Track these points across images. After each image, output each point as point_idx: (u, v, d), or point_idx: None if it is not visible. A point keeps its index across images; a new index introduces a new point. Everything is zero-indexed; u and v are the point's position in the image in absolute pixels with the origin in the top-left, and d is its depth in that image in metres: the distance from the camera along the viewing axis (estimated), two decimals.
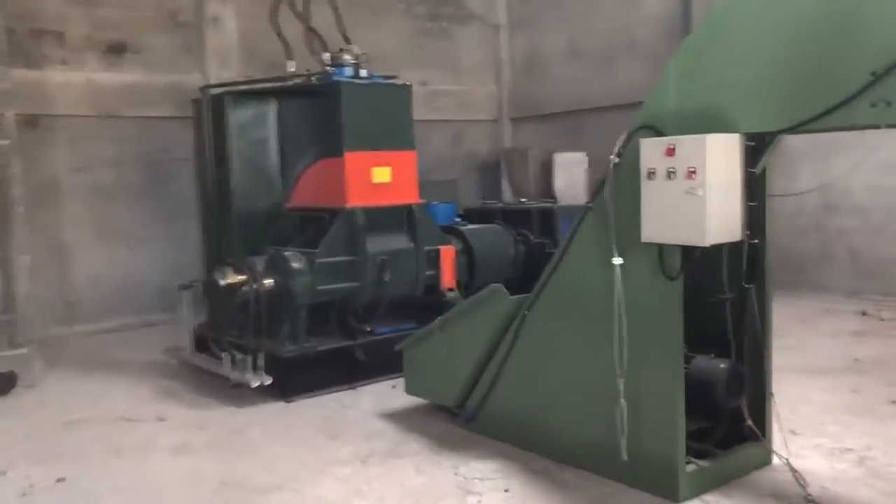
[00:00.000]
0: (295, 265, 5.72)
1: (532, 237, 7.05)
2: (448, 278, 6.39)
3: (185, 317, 6.61)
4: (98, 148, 9.10)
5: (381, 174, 6.13)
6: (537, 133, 12.09)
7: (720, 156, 3.34)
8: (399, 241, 6.26)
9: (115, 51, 9.20)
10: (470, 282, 6.72)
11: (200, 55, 9.72)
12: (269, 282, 5.77)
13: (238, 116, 6.41)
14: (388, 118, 6.18)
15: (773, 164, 3.87)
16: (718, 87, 3.51)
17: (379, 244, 6.10)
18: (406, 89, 6.38)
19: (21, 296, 6.93)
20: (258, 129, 6.53)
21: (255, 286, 5.73)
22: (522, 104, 12.30)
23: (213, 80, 9.56)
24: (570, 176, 10.35)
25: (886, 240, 8.19)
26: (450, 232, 6.72)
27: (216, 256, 6.69)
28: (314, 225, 6.32)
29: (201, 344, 6.67)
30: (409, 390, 5.31)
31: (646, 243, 3.68)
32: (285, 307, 5.80)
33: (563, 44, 11.63)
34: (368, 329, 6.26)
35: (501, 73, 12.55)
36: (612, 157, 3.84)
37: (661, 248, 3.64)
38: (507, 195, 11.11)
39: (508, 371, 4.56)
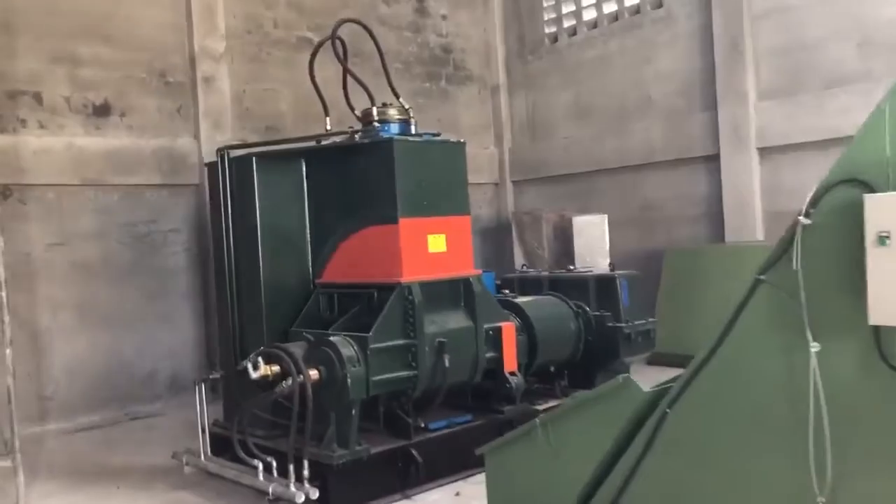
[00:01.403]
0: (346, 352, 4.83)
1: (590, 310, 6.29)
2: (511, 360, 5.56)
3: (200, 414, 5.61)
4: (78, 220, 8.12)
5: (437, 243, 5.33)
6: (542, 196, 11.48)
7: None
8: (457, 320, 5.43)
9: (99, 113, 8.31)
10: (530, 363, 5.89)
11: (192, 117, 8.89)
12: (314, 373, 4.86)
13: (266, 180, 5.59)
14: (443, 179, 5.43)
15: None
16: None
17: (436, 324, 5.27)
18: (460, 147, 5.65)
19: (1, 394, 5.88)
20: (288, 195, 5.71)
21: (297, 379, 4.81)
22: (525, 166, 11.71)
23: (205, 145, 8.78)
24: (590, 240, 9.69)
25: None
26: (504, 306, 5.91)
27: (236, 342, 5.76)
28: (355, 303, 5.45)
29: (217, 446, 5.67)
30: None
31: (855, 325, 2.93)
32: (333, 404, 4.89)
33: (568, 103, 11.14)
34: (423, 425, 5.37)
35: (503, 134, 11.98)
36: (799, 217, 3.10)
37: (879, 330, 2.90)
38: (518, 261, 10.39)
39: (640, 484, 3.71)
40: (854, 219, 2.98)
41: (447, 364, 5.18)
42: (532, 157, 11.65)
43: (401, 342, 5.10)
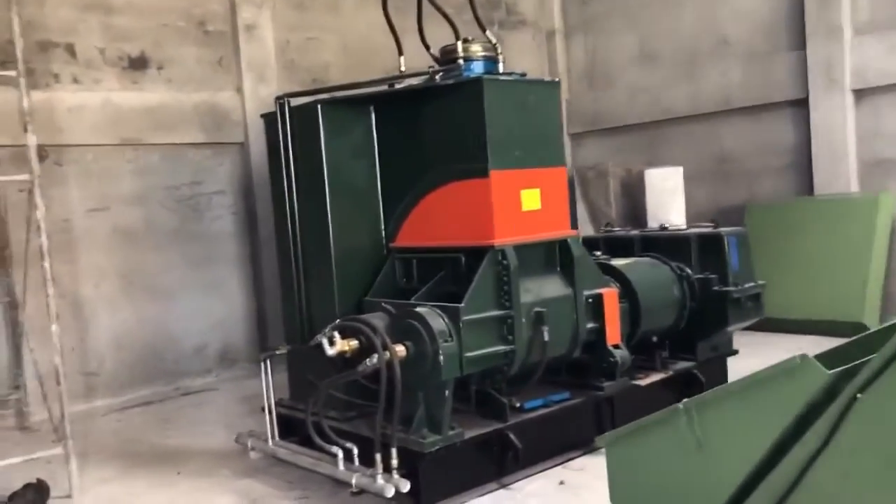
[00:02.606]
0: (436, 325, 4.21)
1: (692, 273, 5.59)
2: (614, 331, 4.91)
3: (267, 394, 5.04)
4: (119, 183, 7.55)
5: (531, 199, 4.66)
6: (603, 149, 10.69)
7: None
8: (554, 287, 4.78)
9: (136, 66, 7.68)
10: (632, 334, 5.24)
11: (234, 69, 8.23)
12: (400, 349, 4.25)
13: (333, 131, 4.93)
14: (536, 125, 4.73)
15: None
16: None
17: (532, 292, 4.62)
18: (555, 87, 4.95)
19: (45, 373, 5.40)
20: (357, 148, 5.05)
21: (382, 355, 4.20)
22: (584, 117, 10.91)
23: (249, 100, 8.14)
24: (662, 195, 8.95)
25: None
26: (601, 270, 5.24)
27: (303, 314, 5.16)
28: (437, 270, 4.81)
29: (284, 428, 5.13)
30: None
31: None
32: (422, 383, 4.28)
33: (632, 48, 10.29)
34: (518, 405, 4.76)
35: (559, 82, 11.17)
36: None
37: None
38: (583, 219, 9.67)
39: (809, 492, 3.05)
40: None
41: (546, 337, 4.54)
42: (592, 106, 10.84)
43: (495, 313, 4.46)
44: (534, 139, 4.68)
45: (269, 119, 5.29)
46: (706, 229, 5.81)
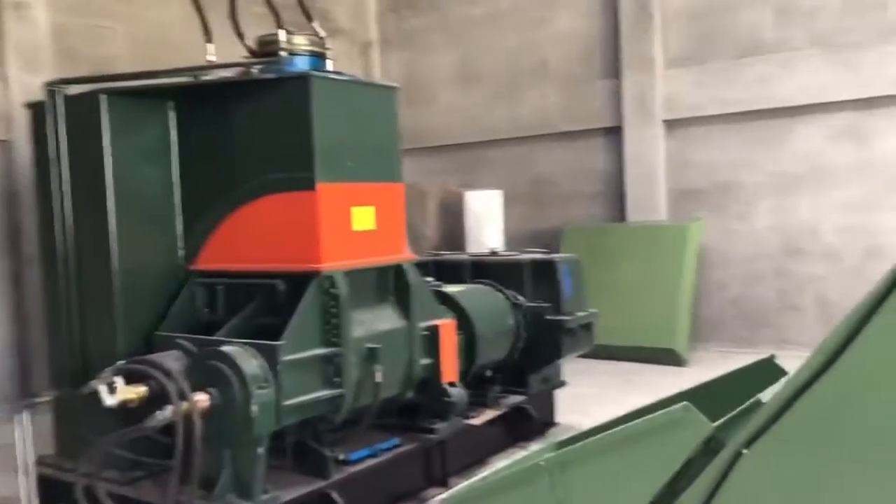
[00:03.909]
0: (248, 368, 3.46)
1: (525, 301, 5.23)
2: (451, 367, 4.39)
3: (23, 450, 3.99)
4: None
5: (364, 218, 4.04)
6: (419, 168, 10.25)
7: None
8: (388, 319, 4.17)
9: None
10: (468, 369, 4.75)
11: None
12: (202, 398, 3.45)
13: (119, 128, 4.03)
14: (372, 134, 4.13)
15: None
16: None
17: (364, 325, 3.99)
18: (393, 93, 4.36)
19: None
20: (150, 150, 4.17)
21: (178, 406, 3.37)
22: (402, 135, 10.43)
23: (13, 88, 6.86)
24: (482, 217, 8.68)
25: (860, 285, 7.31)
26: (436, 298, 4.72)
27: (75, 351, 4.17)
28: (248, 299, 4.05)
29: (48, 493, 4.11)
30: None
31: None
32: (230, 440, 3.50)
33: (452, 65, 10.02)
34: (342, 457, 4.09)
35: None
36: None
37: None
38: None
39: None
40: None
41: (379, 378, 3.93)
42: (408, 124, 10.35)
43: (321, 352, 3.77)
44: (368, 150, 4.09)
45: (36, 110, 4.27)
46: (539, 255, 5.48)
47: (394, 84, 4.43)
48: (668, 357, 7.57)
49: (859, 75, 7.23)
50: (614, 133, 8.69)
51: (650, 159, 8.41)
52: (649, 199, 8.46)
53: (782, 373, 3.07)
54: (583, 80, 8.90)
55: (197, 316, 4.18)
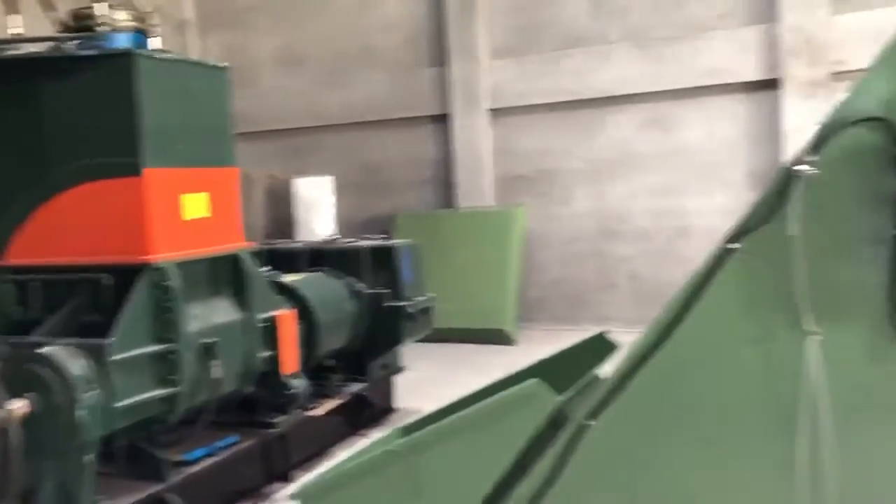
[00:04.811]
0: (73, 370, 3.18)
1: (365, 287, 5.20)
2: (292, 359, 4.28)
3: None
4: None
5: (197, 205, 3.83)
6: (248, 154, 9.85)
7: None
8: (225, 311, 3.99)
9: None
10: (308, 359, 4.65)
11: None
12: (19, 406, 3.13)
13: None
14: (203, 117, 3.91)
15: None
16: None
17: (199, 319, 3.79)
18: (225, 73, 4.15)
19: None
20: None
21: None
22: None
23: None
24: (312, 205, 8.54)
25: (670, 263, 7.93)
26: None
27: None
28: (68, 295, 3.73)
29: None
30: None
31: (860, 302, 2.32)
32: (53, 449, 3.21)
33: (277, 48, 9.74)
34: (179, 458, 3.88)
35: None
36: (800, 167, 2.37)
37: None
38: None
39: None
40: (868, 168, 2.31)
41: (217, 373, 3.76)
42: (235, 108, 9.99)
43: (154, 349, 3.54)
44: (200, 133, 3.88)
45: None
46: (378, 241, 5.47)
47: (224, 64, 4.21)
48: (498, 337, 7.83)
49: (664, 68, 7.80)
50: (442, 121, 8.82)
51: (477, 147, 8.63)
52: (477, 185, 8.68)
53: (612, 347, 3.22)
54: (410, 66, 8.96)
55: (9, 314, 3.78)
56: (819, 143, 2.29)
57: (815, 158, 2.27)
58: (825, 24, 7.23)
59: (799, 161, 2.29)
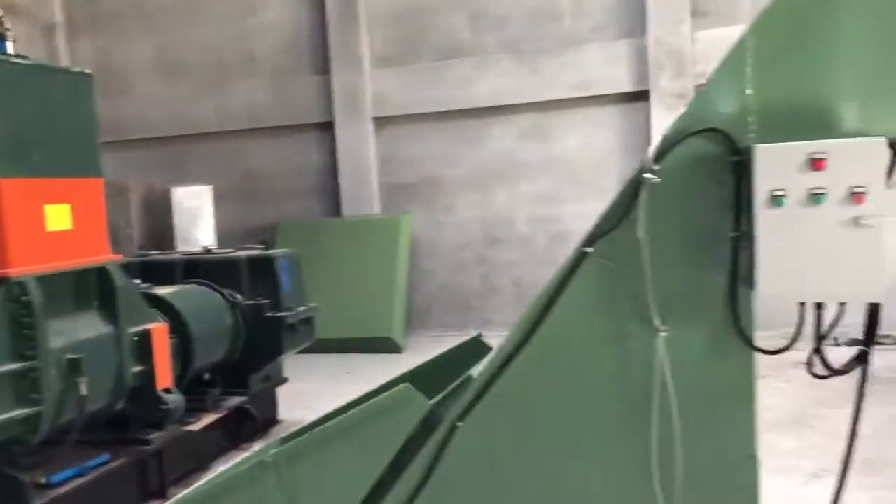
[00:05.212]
0: None
1: (243, 299, 5.12)
2: (165, 374, 4.17)
3: None
4: None
5: (59, 217, 3.68)
6: (121, 163, 9.52)
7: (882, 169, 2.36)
8: (91, 326, 3.85)
9: None
10: (184, 374, 4.54)
11: None
12: None
13: None
14: (65, 127, 3.76)
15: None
16: (832, 72, 2.51)
17: (63, 335, 3.65)
18: (87, 80, 4.00)
19: None
20: None
21: None
22: None
23: None
24: (191, 215, 8.33)
25: (550, 267, 8.14)
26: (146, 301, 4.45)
27: None
28: None
29: None
30: None
31: (703, 302, 2.49)
32: None
33: (151, 54, 9.45)
34: (43, 480, 3.71)
35: None
36: (645, 175, 2.54)
37: (737, 305, 2.49)
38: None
39: None
40: (707, 175, 2.51)
41: (84, 390, 3.62)
42: (104, 115, 9.59)
43: (13, 367, 3.39)
44: (61, 143, 3.74)
45: None
46: (256, 251, 5.40)
47: (87, 71, 4.07)
48: (386, 345, 7.85)
49: (541, 79, 8.05)
50: (327, 129, 8.79)
51: (362, 155, 8.64)
52: (363, 193, 8.69)
53: (488, 349, 3.31)
54: (292, 74, 8.88)
55: None
56: (662, 153, 2.46)
57: (658, 167, 2.44)
58: (688, 39, 7.64)
59: (645, 170, 2.45)
